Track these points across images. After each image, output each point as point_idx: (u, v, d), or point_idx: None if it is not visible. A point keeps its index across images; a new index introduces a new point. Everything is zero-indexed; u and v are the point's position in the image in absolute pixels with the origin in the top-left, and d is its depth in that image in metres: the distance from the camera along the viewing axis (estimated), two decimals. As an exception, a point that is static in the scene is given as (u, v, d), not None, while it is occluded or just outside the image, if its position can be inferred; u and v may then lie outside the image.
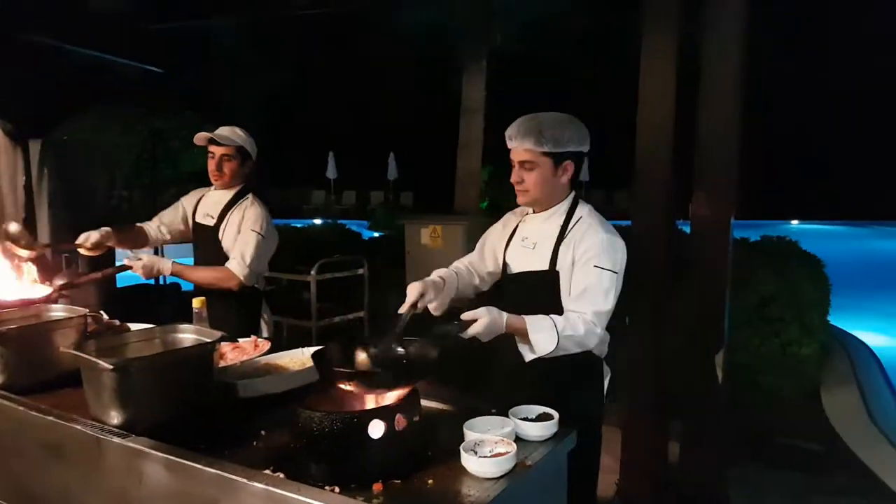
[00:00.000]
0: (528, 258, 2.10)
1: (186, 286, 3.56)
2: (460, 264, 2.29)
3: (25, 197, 3.49)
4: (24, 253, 2.51)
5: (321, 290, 5.56)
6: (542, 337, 1.89)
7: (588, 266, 1.96)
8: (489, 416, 1.64)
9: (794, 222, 18.86)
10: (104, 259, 2.87)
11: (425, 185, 15.19)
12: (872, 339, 6.48)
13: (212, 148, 2.93)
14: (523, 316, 1.91)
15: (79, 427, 1.64)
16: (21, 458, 1.82)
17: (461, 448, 1.46)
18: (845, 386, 5.00)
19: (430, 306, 1.97)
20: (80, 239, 2.76)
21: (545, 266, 2.04)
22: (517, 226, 2.20)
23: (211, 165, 2.94)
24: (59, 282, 2.36)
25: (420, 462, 1.49)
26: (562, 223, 2.06)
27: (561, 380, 2.01)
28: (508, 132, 2.03)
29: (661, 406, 3.21)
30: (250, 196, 2.98)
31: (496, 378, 2.23)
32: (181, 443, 1.52)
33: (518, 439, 1.57)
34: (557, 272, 2.01)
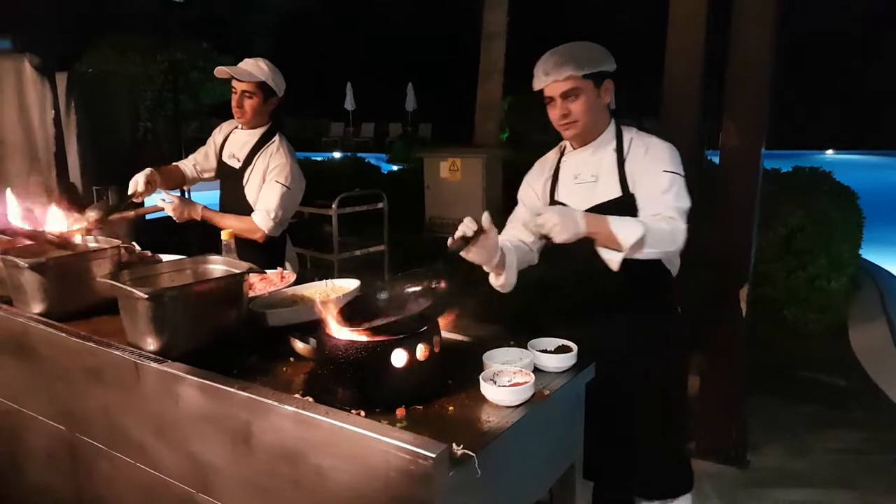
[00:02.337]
0: (591, 192, 2.00)
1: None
2: (510, 238, 2.09)
3: (55, 130, 3.52)
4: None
5: (342, 224, 5.63)
6: (628, 229, 1.73)
7: (657, 172, 1.91)
8: (508, 348, 1.69)
9: (829, 152, 18.32)
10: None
11: (444, 116, 14.99)
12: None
13: (234, 83, 2.77)
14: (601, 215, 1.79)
15: (118, 353, 1.72)
16: (64, 381, 1.93)
17: (480, 377, 1.51)
18: (873, 320, 4.97)
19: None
20: (132, 188, 2.70)
21: (617, 193, 1.96)
22: (558, 165, 2.10)
23: (233, 102, 2.81)
24: (91, 213, 2.42)
25: (441, 390, 1.55)
26: (615, 147, 2.00)
27: (637, 297, 2.01)
28: (542, 68, 1.94)
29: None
30: (277, 139, 2.84)
31: (568, 314, 2.11)
32: (214, 368, 1.58)
33: (536, 370, 1.62)
34: (633, 195, 1.94)
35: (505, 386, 1.49)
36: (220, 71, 2.74)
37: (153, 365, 1.64)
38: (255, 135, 2.86)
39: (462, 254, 1.72)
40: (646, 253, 1.75)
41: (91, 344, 1.80)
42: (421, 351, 1.50)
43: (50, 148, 3.53)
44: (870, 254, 5.83)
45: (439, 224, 6.85)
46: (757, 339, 4.42)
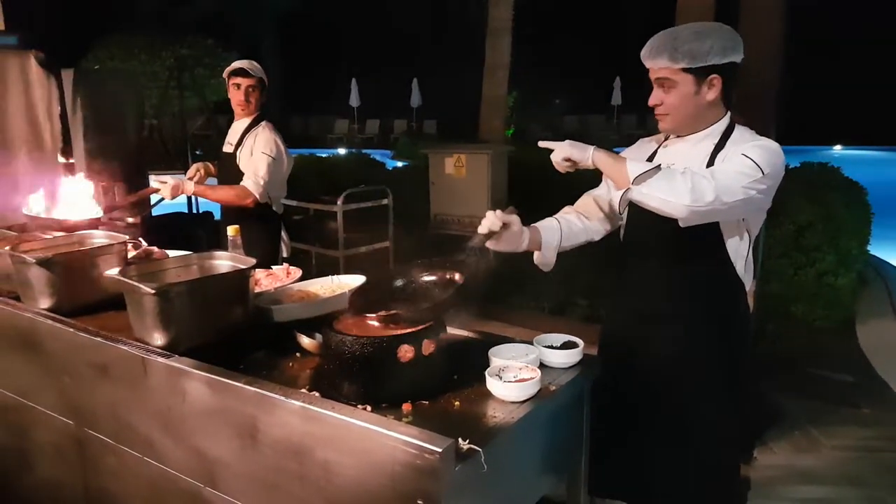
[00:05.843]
0: None
1: (219, 214, 3.72)
2: (568, 213, 2.04)
3: (61, 126, 3.58)
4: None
5: (347, 220, 5.63)
6: (639, 165, 1.63)
7: (735, 155, 1.69)
8: (514, 344, 1.69)
9: (838, 148, 18.22)
10: (138, 186, 3.01)
11: (449, 112, 14.95)
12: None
13: (237, 80, 3.21)
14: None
15: (125, 348, 1.73)
16: (72, 376, 1.94)
17: (486, 373, 1.52)
18: (881, 316, 4.94)
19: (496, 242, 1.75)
20: (191, 172, 3.29)
21: None
22: (656, 151, 1.94)
23: (238, 97, 3.23)
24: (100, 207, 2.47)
25: (447, 385, 1.55)
26: (716, 142, 1.79)
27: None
28: (643, 52, 1.80)
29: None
30: (264, 122, 3.28)
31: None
32: (221, 363, 1.59)
33: (542, 366, 1.61)
34: None
35: (511, 381, 1.49)
36: (235, 66, 3.21)
37: (160, 360, 1.64)
38: (246, 122, 3.30)
39: (488, 244, 1.73)
40: (644, 192, 1.61)
41: (99, 339, 1.81)
42: (426, 346, 1.50)
43: (56, 143, 3.58)
44: (878, 250, 5.80)
45: (444, 220, 6.84)
46: (764, 335, 4.41)
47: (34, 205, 2.46)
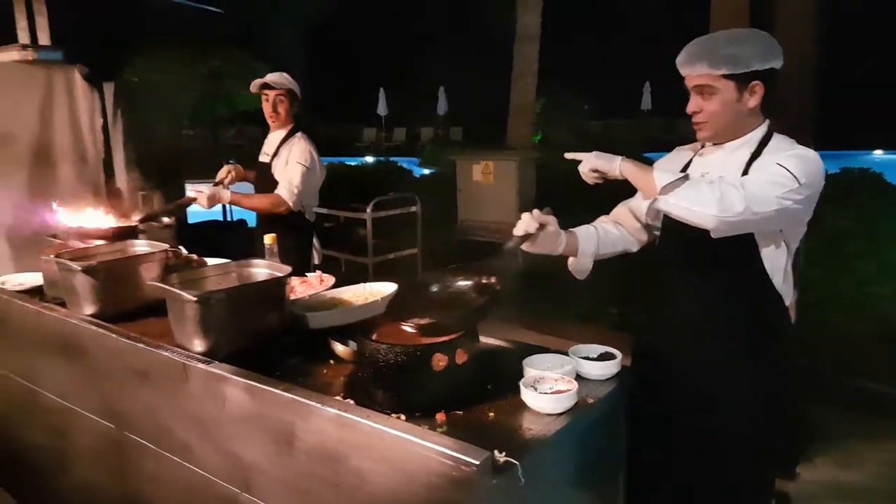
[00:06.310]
0: None
1: (252, 222, 3.81)
2: (605, 222, 2.03)
3: (103, 137, 3.70)
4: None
5: (376, 227, 5.68)
6: (666, 175, 1.61)
7: (769, 164, 1.65)
8: (549, 354, 1.67)
9: (878, 152, 17.75)
10: (175, 195, 3.09)
11: (476, 119, 14.99)
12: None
13: (266, 92, 3.29)
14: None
15: (166, 353, 1.77)
16: (112, 380, 1.99)
17: (521, 384, 1.50)
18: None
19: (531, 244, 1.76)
20: (222, 174, 3.37)
21: None
22: (691, 160, 1.90)
23: (267, 108, 3.32)
24: (138, 216, 2.54)
25: (481, 395, 1.54)
26: (753, 151, 1.75)
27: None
28: (678, 59, 1.77)
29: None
30: (299, 133, 3.35)
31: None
32: (258, 370, 1.62)
33: (578, 377, 1.59)
34: None
35: (547, 393, 1.48)
36: (255, 84, 3.27)
37: (201, 366, 1.68)
38: (282, 133, 3.37)
39: (524, 247, 1.73)
40: (670, 202, 1.60)
41: (141, 345, 1.85)
42: (459, 355, 1.50)
43: (99, 154, 3.70)
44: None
45: (471, 227, 6.84)
46: (805, 345, 4.30)
47: (76, 213, 2.53)
